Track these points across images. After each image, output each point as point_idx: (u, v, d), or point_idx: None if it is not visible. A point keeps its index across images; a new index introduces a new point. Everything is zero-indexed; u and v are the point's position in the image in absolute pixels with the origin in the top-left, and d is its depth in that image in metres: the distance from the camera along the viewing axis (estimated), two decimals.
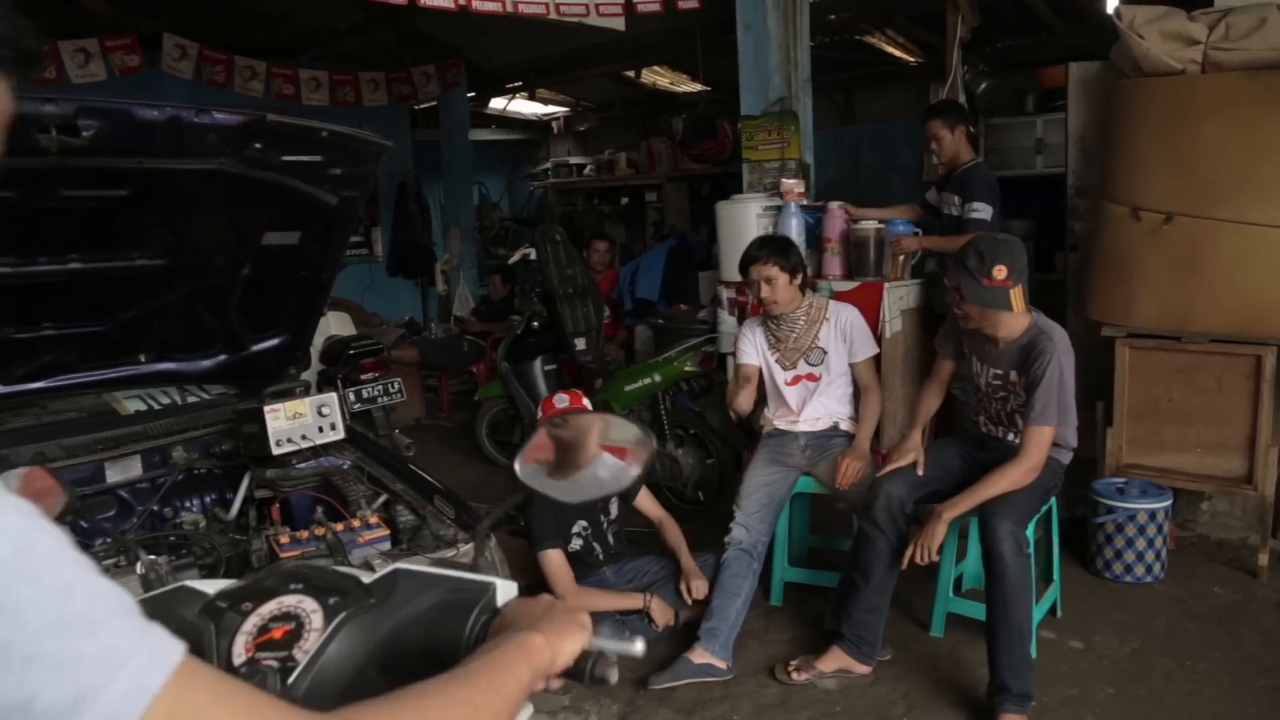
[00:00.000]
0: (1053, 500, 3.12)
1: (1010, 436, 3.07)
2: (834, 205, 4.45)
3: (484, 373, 6.47)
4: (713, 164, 7.46)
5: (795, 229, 4.44)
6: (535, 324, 5.05)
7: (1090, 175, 4.24)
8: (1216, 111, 3.44)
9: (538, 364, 4.99)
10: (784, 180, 4.70)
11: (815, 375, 3.48)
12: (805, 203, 4.67)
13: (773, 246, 3.42)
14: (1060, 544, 3.39)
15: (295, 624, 0.98)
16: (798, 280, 3.39)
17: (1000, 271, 2.79)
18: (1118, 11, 3.63)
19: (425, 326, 8.23)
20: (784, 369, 3.51)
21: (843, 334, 3.47)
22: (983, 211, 4.00)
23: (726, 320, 4.71)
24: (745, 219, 4.62)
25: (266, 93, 7.01)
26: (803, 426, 3.46)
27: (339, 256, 2.56)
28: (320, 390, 2.98)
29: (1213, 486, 3.80)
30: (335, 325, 5.85)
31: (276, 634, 0.97)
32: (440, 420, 6.84)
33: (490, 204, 10.35)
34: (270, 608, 1.00)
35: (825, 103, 7.72)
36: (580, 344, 4.93)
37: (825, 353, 3.46)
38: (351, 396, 4.85)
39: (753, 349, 3.53)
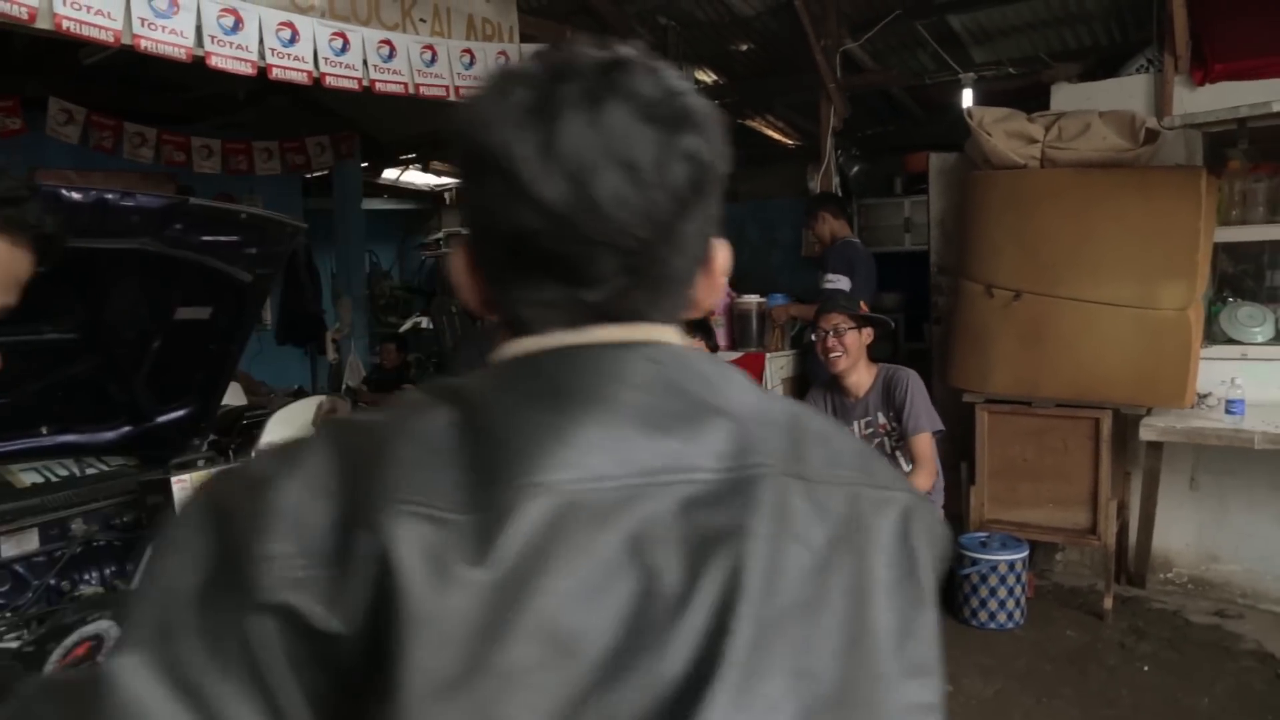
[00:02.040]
0: None
1: None
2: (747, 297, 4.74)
3: None
4: None
5: None
6: None
7: (950, 255, 4.66)
8: (1053, 201, 3.88)
9: None
10: None
11: None
12: None
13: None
14: None
15: (98, 640, 1.09)
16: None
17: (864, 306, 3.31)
18: (969, 112, 4.07)
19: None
20: None
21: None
22: (837, 281, 4.38)
23: None
24: None
25: (156, 159, 6.93)
26: None
27: (249, 330, 2.64)
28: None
29: (1063, 538, 4.17)
30: (228, 394, 5.79)
31: (81, 650, 1.07)
32: None
33: (382, 272, 10.37)
34: (72, 639, 1.10)
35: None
36: None
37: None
38: None
39: None
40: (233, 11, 3.56)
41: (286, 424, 1.85)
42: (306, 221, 9.59)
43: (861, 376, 3.31)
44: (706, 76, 6.49)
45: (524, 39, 4.79)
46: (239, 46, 3.59)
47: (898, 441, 3.28)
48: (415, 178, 9.81)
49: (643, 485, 0.59)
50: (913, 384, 3.23)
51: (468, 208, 0.69)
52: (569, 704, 0.54)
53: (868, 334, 3.33)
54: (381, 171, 9.51)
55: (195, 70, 3.75)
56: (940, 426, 3.28)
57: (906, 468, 3.29)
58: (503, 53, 4.63)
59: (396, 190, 10.24)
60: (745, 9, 5.35)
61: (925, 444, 3.17)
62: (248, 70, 3.64)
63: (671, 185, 0.63)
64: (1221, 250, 4.11)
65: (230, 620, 0.55)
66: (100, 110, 6.61)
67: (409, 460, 0.58)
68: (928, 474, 3.13)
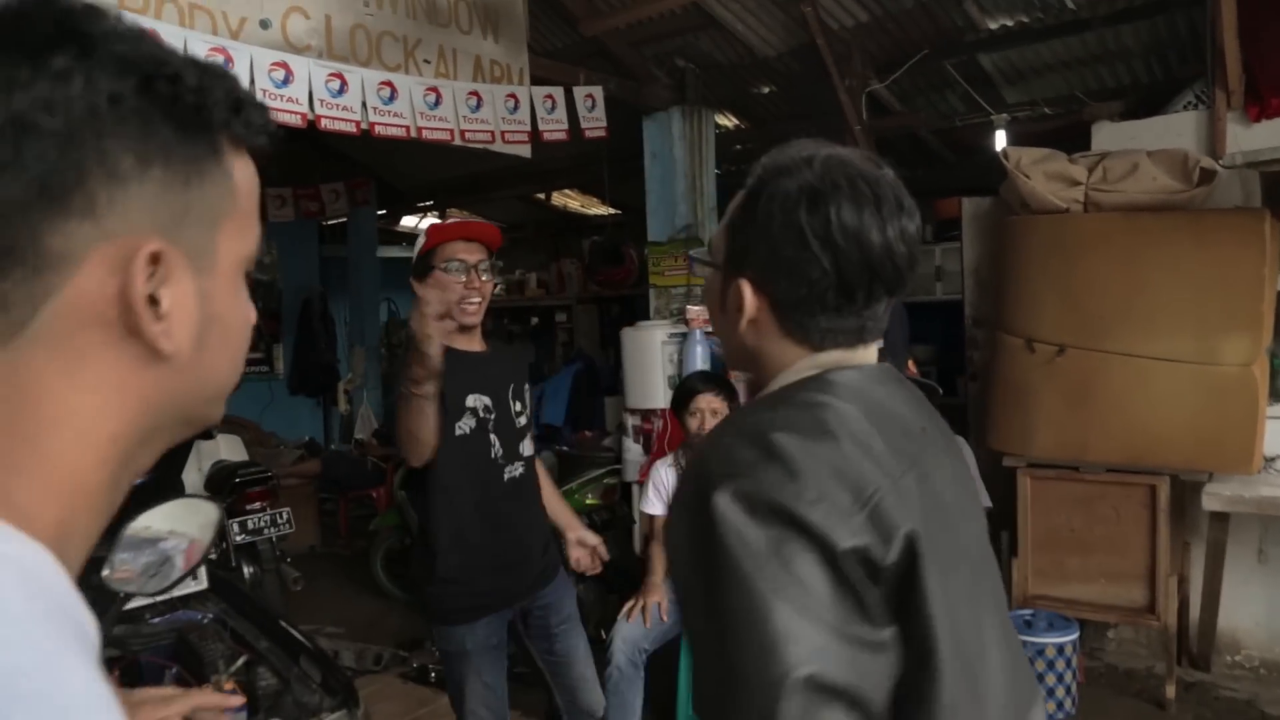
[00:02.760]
0: None
1: None
2: None
3: (384, 498, 6.21)
4: (619, 289, 7.49)
5: (700, 357, 4.42)
6: None
7: (986, 306, 4.35)
8: (1099, 248, 3.57)
9: None
10: (689, 307, 4.70)
11: None
12: (710, 330, 4.67)
13: (716, 382, 3.35)
14: None
15: None
16: None
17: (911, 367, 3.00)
18: (1005, 153, 3.79)
19: (326, 447, 7.93)
20: None
21: None
22: None
23: (632, 448, 4.63)
24: (650, 346, 4.59)
25: None
26: None
27: None
28: None
29: (1117, 617, 3.79)
30: (225, 449, 5.55)
31: None
32: (337, 548, 6.50)
33: (400, 321, 10.19)
34: None
35: None
36: None
37: None
38: (236, 528, 4.58)
39: (661, 500, 3.40)
40: (221, 50, 3.38)
41: (164, 518, 1.59)
42: (322, 269, 9.57)
43: None
44: (727, 121, 6.28)
45: (535, 81, 4.59)
46: None
47: None
48: None
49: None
50: (965, 456, 2.90)
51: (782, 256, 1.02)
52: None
53: None
54: (400, 219, 9.38)
55: None
56: (988, 503, 2.96)
57: None
58: (512, 95, 4.43)
59: (415, 238, 10.09)
60: (766, 49, 5.14)
61: None
62: None
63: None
64: None
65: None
66: None
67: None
68: None
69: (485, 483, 2.43)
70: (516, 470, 2.49)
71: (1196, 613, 3.92)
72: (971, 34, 4.81)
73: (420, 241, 2.54)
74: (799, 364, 1.03)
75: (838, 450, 0.91)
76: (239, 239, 0.58)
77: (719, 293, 1.10)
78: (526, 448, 2.56)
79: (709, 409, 3.24)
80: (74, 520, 0.50)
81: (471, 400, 2.41)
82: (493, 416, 2.44)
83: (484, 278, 2.44)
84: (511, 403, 2.51)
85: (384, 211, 8.79)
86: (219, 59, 3.37)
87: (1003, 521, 3.89)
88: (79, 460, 0.50)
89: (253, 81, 3.47)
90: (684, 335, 4.56)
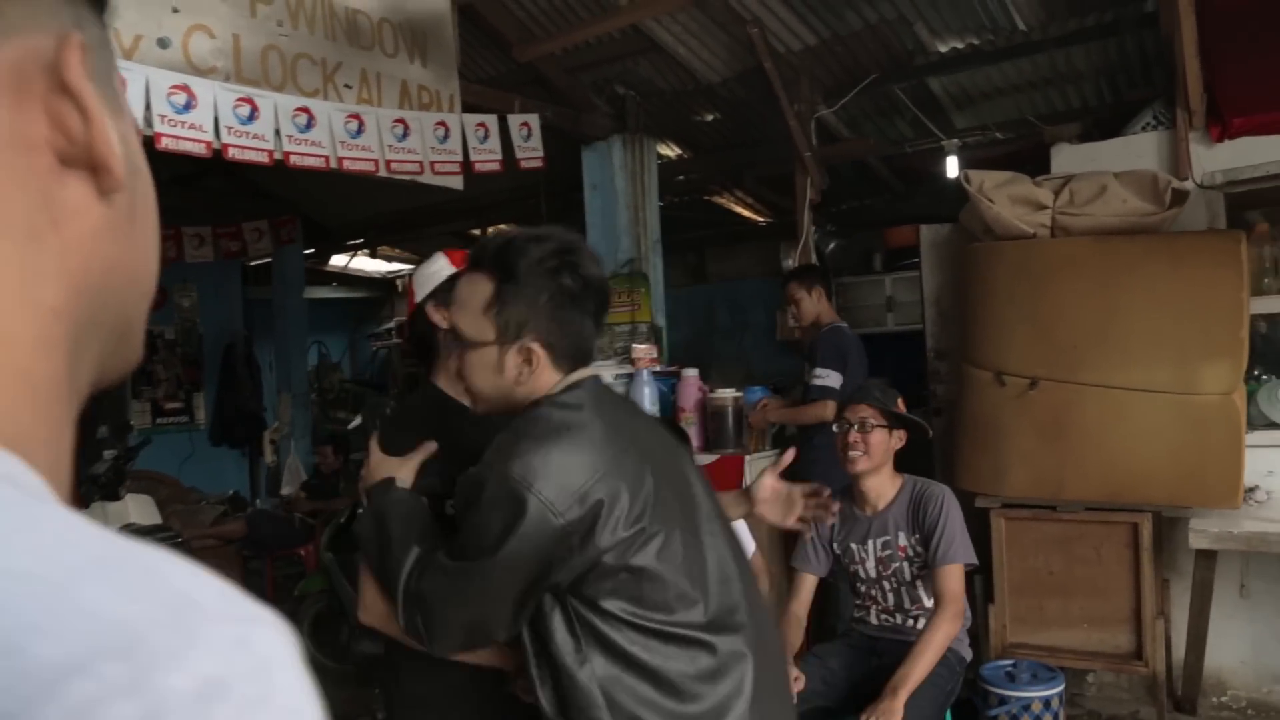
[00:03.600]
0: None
1: (912, 622, 2.74)
2: (689, 373, 4.19)
3: (313, 557, 5.77)
4: None
5: (648, 398, 4.13)
6: (359, 511, 4.48)
7: (949, 338, 4.15)
8: (1070, 274, 3.39)
9: None
10: (635, 346, 4.43)
11: None
12: (659, 369, 4.40)
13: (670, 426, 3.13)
14: None
15: None
16: None
17: (901, 404, 2.77)
18: (966, 175, 3.61)
19: (251, 502, 7.43)
20: None
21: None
22: (826, 378, 3.82)
23: None
24: None
25: None
26: None
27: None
28: None
29: (1103, 664, 3.57)
30: (135, 512, 5.10)
31: None
32: None
33: (331, 364, 9.75)
34: None
35: (677, 260, 7.67)
36: None
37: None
38: None
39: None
40: None
41: None
42: (247, 311, 9.08)
43: (884, 486, 2.72)
44: (670, 150, 6.06)
45: (467, 109, 4.31)
46: None
47: (920, 569, 2.69)
48: (365, 264, 9.28)
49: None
50: (948, 505, 2.65)
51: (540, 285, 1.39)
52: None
53: (899, 438, 2.76)
54: (329, 258, 8.97)
55: None
56: (974, 559, 2.71)
57: (927, 601, 2.70)
58: (441, 123, 4.13)
59: (346, 278, 9.69)
60: (710, 75, 4.93)
61: (955, 578, 2.58)
62: None
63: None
64: (1255, 322, 3.63)
65: None
66: None
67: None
68: (955, 614, 2.54)
69: None
70: None
71: (1180, 654, 3.72)
72: (921, 57, 4.67)
73: (439, 266, 1.94)
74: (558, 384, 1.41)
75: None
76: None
77: (496, 363, 1.39)
78: None
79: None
80: (22, 423, 0.36)
81: None
82: None
83: None
84: None
85: (311, 250, 8.38)
86: None
87: (976, 566, 3.66)
88: (16, 334, 0.37)
89: (149, 106, 3.13)
90: (630, 376, 4.27)
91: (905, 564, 2.70)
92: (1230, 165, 3.59)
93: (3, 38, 0.38)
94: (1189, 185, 3.36)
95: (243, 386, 8.13)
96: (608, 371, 4.36)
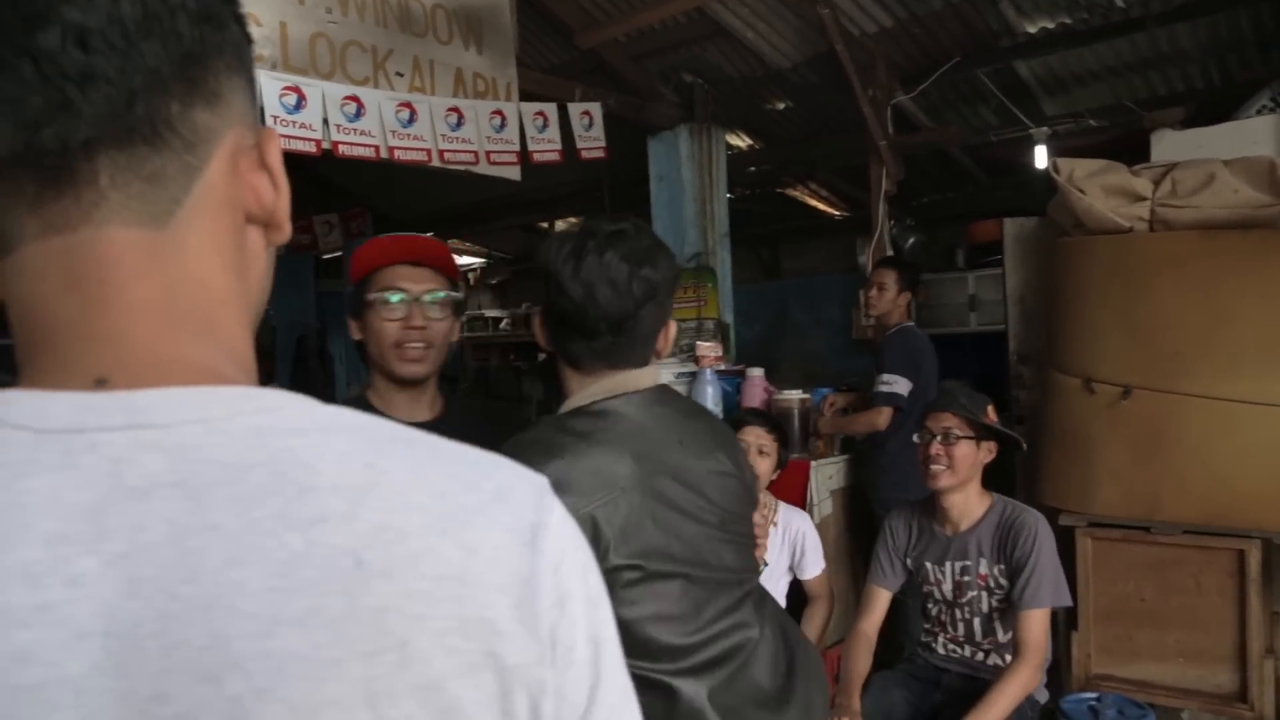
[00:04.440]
0: None
1: (982, 656, 2.49)
2: (754, 372, 3.98)
3: None
4: None
5: (711, 398, 3.93)
6: None
7: (1033, 339, 3.85)
8: (1171, 273, 3.07)
9: None
10: (699, 343, 4.23)
11: None
12: (723, 367, 4.19)
13: (765, 418, 2.94)
14: None
15: None
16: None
17: (991, 412, 2.54)
18: (1055, 164, 3.31)
19: None
20: None
21: (792, 545, 2.86)
22: (894, 384, 3.57)
23: None
24: None
25: None
26: None
27: None
28: None
29: (1200, 703, 3.23)
30: None
31: None
32: None
33: None
34: None
35: (749, 255, 7.43)
36: None
37: (765, 566, 2.78)
38: None
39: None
40: None
41: None
42: (319, 304, 9.14)
43: (969, 505, 2.46)
44: (740, 141, 5.84)
45: (526, 97, 4.17)
46: None
47: (1000, 603, 2.43)
48: None
49: None
50: (1042, 537, 2.36)
51: (546, 301, 1.39)
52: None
53: (988, 450, 2.50)
54: None
55: None
56: (1068, 601, 2.43)
57: (1002, 637, 2.44)
58: (498, 112, 4.00)
59: None
60: (779, 60, 4.69)
61: (1041, 625, 2.30)
62: None
63: (633, 294, 1.31)
64: None
65: None
66: None
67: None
68: (1037, 666, 2.26)
69: None
70: None
71: None
72: (1008, 39, 4.35)
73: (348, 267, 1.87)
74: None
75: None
76: None
77: None
78: None
79: (756, 443, 2.77)
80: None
81: None
82: None
83: (434, 314, 1.71)
84: None
85: None
86: None
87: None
88: (243, 343, 0.55)
89: None
90: (693, 375, 4.07)
91: (984, 594, 2.45)
92: None
93: (226, 129, 0.53)
94: None
95: (315, 378, 8.19)
96: (669, 371, 4.18)
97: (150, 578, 0.44)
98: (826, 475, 3.75)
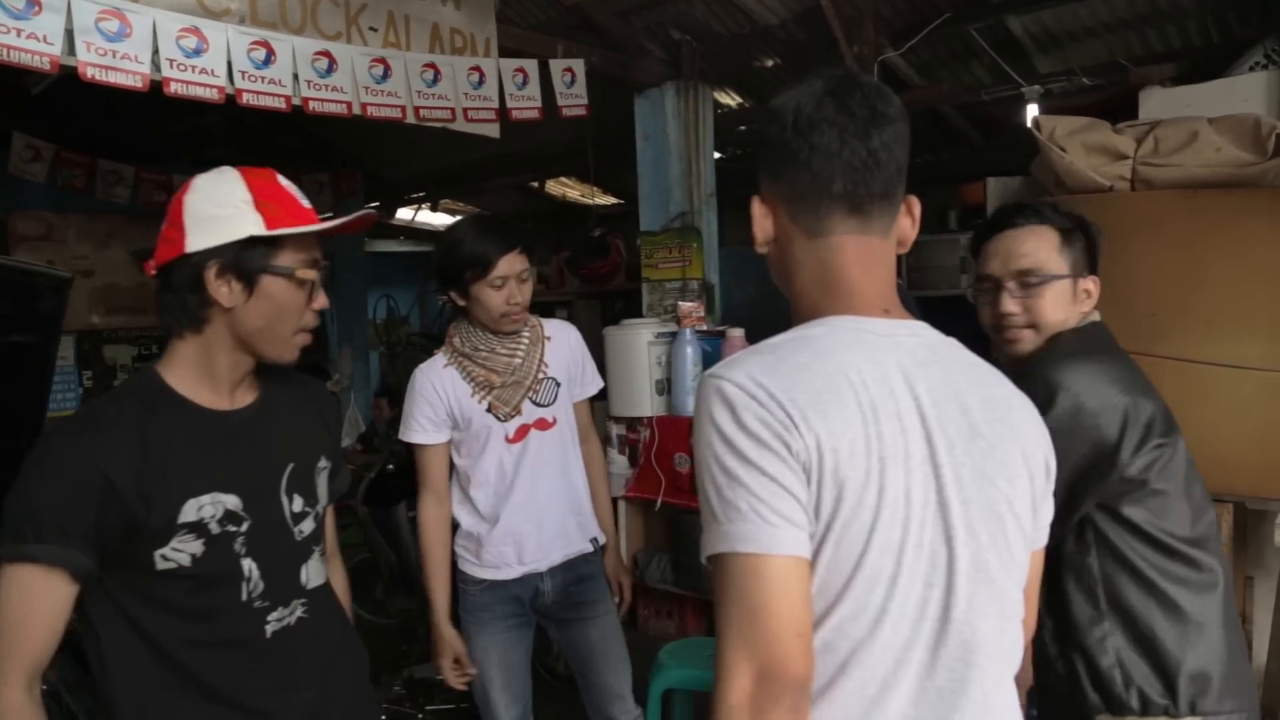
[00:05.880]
0: None
1: None
2: (734, 333, 3.95)
3: None
4: (604, 285, 6.96)
5: (690, 359, 3.91)
6: (391, 466, 4.39)
7: None
8: (1151, 234, 3.01)
9: (401, 509, 4.31)
10: (681, 304, 4.19)
11: (548, 421, 2.43)
12: (705, 328, 4.16)
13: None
14: None
15: None
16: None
17: None
18: (1036, 122, 3.24)
19: None
20: (501, 418, 2.41)
21: (570, 359, 2.53)
22: None
23: (617, 460, 4.13)
24: (635, 347, 4.09)
25: (133, 199, 6.43)
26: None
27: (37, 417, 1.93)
28: None
29: None
30: None
31: None
32: None
33: (400, 318, 9.75)
34: None
35: (741, 216, 7.35)
36: None
37: (558, 385, 2.46)
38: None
39: (435, 415, 2.41)
40: (116, 14, 2.91)
41: None
42: None
43: None
44: (729, 99, 5.75)
45: (505, 54, 4.10)
46: (123, 56, 2.93)
47: None
48: (431, 218, 9.21)
49: None
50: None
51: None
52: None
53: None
54: (394, 211, 8.93)
55: (167, 101, 3.14)
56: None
57: None
58: (476, 68, 3.94)
59: (413, 231, 9.65)
60: (768, 16, 4.60)
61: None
62: (137, 84, 2.98)
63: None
64: None
65: None
66: (71, 147, 6.10)
67: None
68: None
69: (221, 645, 1.46)
70: (291, 616, 1.54)
71: (1262, 659, 3.36)
72: None
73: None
74: None
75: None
76: None
77: None
78: (315, 573, 1.61)
79: (514, 273, 2.33)
80: None
81: (199, 508, 1.42)
82: (242, 529, 1.47)
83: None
84: (286, 499, 1.55)
85: (376, 205, 8.34)
86: (112, 24, 2.91)
87: None
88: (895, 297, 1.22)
89: (157, 50, 3.01)
90: (673, 335, 4.05)
91: None
92: None
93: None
94: None
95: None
96: (649, 329, 4.16)
97: (933, 389, 1.06)
98: None
